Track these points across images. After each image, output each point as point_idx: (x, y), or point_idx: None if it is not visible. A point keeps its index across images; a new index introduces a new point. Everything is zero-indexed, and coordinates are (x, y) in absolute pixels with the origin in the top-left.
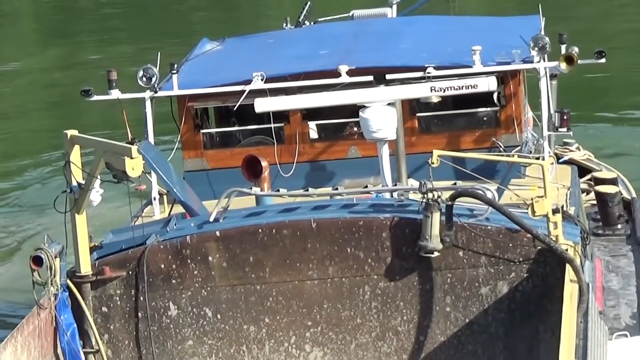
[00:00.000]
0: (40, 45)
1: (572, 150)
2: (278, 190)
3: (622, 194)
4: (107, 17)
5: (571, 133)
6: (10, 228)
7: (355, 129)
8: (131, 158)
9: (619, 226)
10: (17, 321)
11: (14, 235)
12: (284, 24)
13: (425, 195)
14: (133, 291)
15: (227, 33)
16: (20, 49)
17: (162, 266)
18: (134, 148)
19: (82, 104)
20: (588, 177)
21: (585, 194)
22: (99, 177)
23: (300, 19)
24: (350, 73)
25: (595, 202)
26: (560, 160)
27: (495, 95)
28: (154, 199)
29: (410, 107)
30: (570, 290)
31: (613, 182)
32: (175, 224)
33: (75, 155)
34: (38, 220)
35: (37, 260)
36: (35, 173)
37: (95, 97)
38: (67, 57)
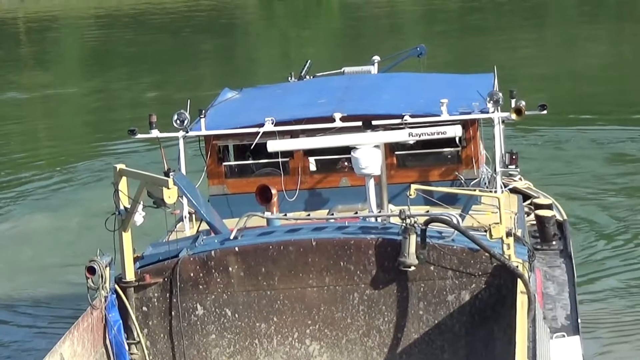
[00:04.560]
0: (80, 77)
1: (515, 180)
2: (285, 214)
3: (556, 217)
4: (132, 58)
5: (519, 169)
6: (63, 241)
7: (346, 163)
8: (168, 188)
9: (554, 242)
10: (72, 319)
11: (67, 249)
12: (289, 78)
13: (404, 221)
14: (168, 294)
15: (226, 81)
16: (64, 79)
17: (192, 274)
18: (170, 180)
19: (111, 124)
20: (528, 202)
21: (526, 215)
22: (141, 202)
23: (302, 74)
24: (343, 119)
25: (534, 222)
26: (506, 188)
27: (457, 138)
28: (185, 217)
29: (390, 147)
30: (521, 300)
31: (549, 207)
32: (202, 240)
33: (123, 185)
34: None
35: (91, 270)
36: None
37: (140, 135)
38: (100, 86)
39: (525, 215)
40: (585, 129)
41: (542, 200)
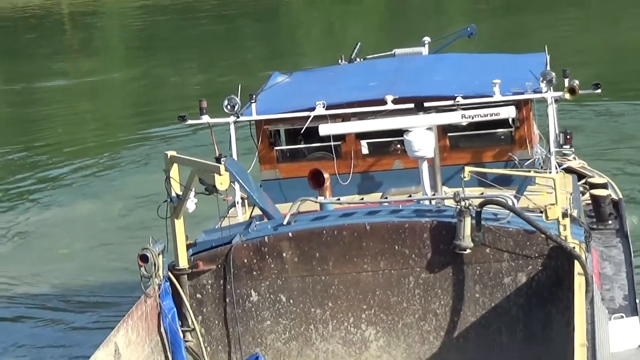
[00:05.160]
0: (125, 63)
1: (569, 160)
2: (338, 199)
3: (611, 196)
4: (176, 44)
5: (573, 149)
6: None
7: (399, 145)
8: (220, 175)
9: (610, 222)
10: (123, 307)
11: (115, 235)
12: (339, 60)
13: (459, 203)
14: (222, 281)
15: (272, 63)
16: (109, 66)
17: (245, 261)
18: (222, 167)
19: (157, 109)
20: (583, 181)
21: (581, 195)
22: (193, 189)
23: (352, 56)
24: (395, 101)
25: (590, 202)
26: (560, 168)
27: (510, 119)
28: (237, 203)
29: (443, 128)
30: (579, 282)
31: (604, 186)
32: (255, 226)
33: (174, 172)
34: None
35: (144, 258)
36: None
37: (190, 122)
38: (145, 72)
39: (580, 195)
40: (638, 102)
41: (597, 179)
